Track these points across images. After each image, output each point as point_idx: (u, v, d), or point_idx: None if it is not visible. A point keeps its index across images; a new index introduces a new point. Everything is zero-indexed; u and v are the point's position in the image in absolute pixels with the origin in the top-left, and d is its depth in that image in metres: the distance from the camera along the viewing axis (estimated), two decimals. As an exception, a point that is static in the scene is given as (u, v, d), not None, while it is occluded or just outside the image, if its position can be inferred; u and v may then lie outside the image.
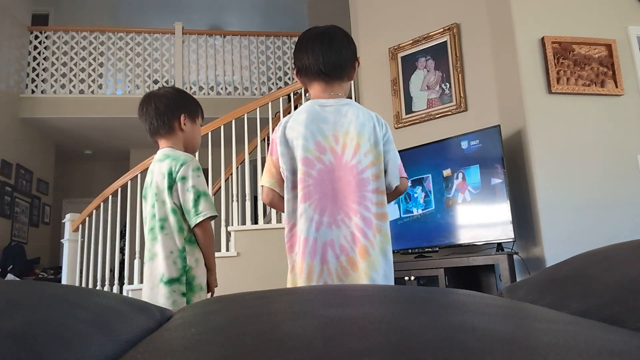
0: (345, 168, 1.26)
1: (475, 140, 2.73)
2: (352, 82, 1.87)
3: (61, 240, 4.21)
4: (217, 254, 3.54)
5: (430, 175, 2.88)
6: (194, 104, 1.68)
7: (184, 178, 1.52)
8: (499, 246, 2.60)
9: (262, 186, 1.35)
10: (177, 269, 1.48)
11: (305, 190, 1.25)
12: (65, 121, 6.17)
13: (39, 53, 6.20)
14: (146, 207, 1.60)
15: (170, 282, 1.47)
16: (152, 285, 1.51)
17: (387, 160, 1.32)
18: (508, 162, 2.72)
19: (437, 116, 3.23)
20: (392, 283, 1.29)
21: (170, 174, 1.52)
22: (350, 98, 1.43)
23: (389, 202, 1.32)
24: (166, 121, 1.59)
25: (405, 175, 1.37)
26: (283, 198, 1.30)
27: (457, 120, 3.13)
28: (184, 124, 1.61)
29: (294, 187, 1.27)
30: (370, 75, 3.60)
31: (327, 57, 1.31)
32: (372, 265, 1.21)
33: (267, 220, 4.40)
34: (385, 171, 1.31)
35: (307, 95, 4.23)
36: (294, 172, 1.28)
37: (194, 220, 1.50)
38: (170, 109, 1.60)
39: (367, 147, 1.27)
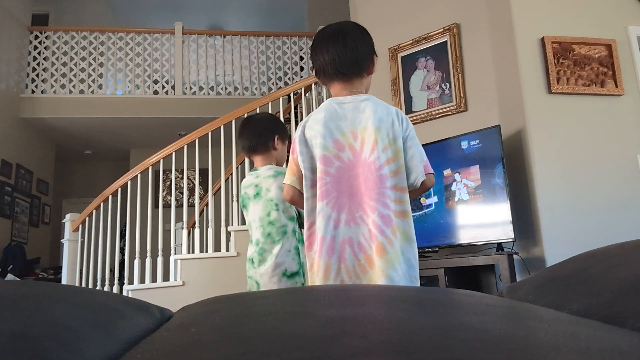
0: (363, 165, 1.24)
1: (475, 140, 2.72)
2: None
3: (61, 240, 4.21)
4: (217, 254, 3.56)
5: (430, 175, 2.88)
6: (284, 128, 1.99)
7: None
8: (499, 246, 2.60)
9: (284, 184, 1.36)
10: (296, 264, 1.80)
11: (324, 188, 1.24)
12: (65, 121, 6.17)
13: (39, 53, 6.19)
14: (254, 214, 1.84)
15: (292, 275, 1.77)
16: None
17: (411, 157, 1.29)
18: (508, 162, 2.72)
19: (437, 116, 3.22)
20: (416, 284, 1.24)
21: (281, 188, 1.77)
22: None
23: (413, 198, 1.29)
24: (263, 141, 1.90)
25: (431, 171, 1.32)
26: (303, 195, 1.30)
27: (457, 120, 3.12)
28: (277, 144, 1.91)
29: (313, 185, 1.27)
30: (370, 75, 3.59)
31: (342, 56, 1.29)
32: (389, 264, 1.18)
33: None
34: (409, 168, 1.28)
35: (307, 95, 4.23)
36: (313, 171, 1.28)
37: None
38: (267, 131, 1.91)
39: (385, 142, 1.25)
